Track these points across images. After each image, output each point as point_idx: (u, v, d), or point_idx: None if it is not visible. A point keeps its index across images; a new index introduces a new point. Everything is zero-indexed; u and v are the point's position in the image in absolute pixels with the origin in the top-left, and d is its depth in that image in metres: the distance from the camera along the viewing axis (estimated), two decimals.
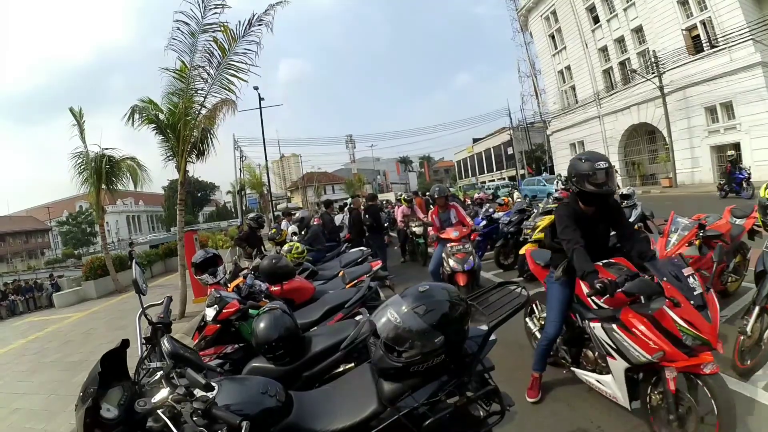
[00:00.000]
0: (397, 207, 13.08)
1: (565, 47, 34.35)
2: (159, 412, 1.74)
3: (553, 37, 35.82)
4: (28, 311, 17.43)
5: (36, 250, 62.43)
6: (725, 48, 21.47)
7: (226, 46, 7.87)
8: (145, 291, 2.78)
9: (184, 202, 8.73)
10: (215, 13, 7.65)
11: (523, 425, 3.22)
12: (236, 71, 8.10)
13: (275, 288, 4.38)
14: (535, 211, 8.05)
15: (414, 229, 10.12)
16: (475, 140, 57.89)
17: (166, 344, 2.07)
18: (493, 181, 43.99)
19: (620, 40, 29.30)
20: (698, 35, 23.69)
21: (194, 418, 1.73)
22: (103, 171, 13.90)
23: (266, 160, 30.48)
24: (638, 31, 27.68)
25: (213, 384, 1.84)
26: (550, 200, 8.98)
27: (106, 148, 14.20)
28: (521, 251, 7.05)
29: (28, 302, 18.31)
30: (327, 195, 54.76)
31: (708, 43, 22.95)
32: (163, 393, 1.78)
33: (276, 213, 24.62)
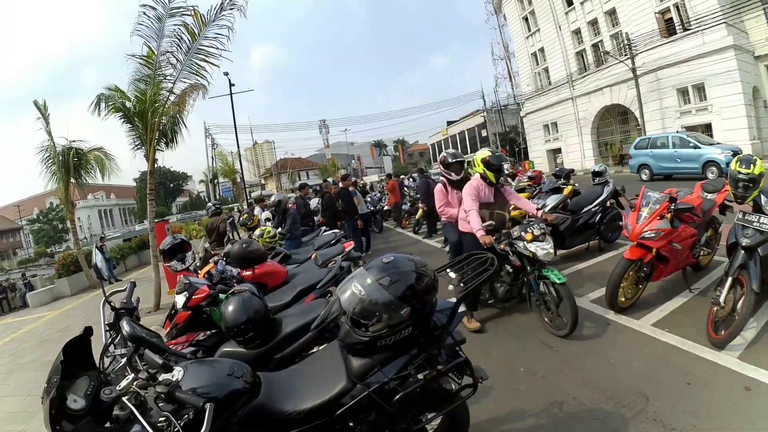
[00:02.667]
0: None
1: (538, 29, 34.38)
2: (124, 399, 1.70)
3: (526, 19, 35.80)
4: (2, 313, 16.97)
5: (8, 250, 60.76)
6: (698, 31, 21.74)
7: (196, 31, 7.64)
8: (108, 277, 2.69)
9: (154, 192, 8.53)
10: None
11: (500, 399, 3.25)
12: (207, 56, 7.88)
13: (247, 273, 4.29)
14: None
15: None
16: (449, 123, 57.55)
17: (125, 327, 2.02)
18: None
19: (593, 23, 29.44)
20: (671, 18, 23.92)
21: (159, 404, 1.69)
22: (71, 164, 13.51)
23: (238, 147, 29.87)
24: (612, 13, 27.82)
25: (171, 365, 1.78)
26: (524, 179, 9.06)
27: (74, 140, 13.78)
28: None
29: (1, 304, 17.80)
30: (301, 181, 54.47)
31: (681, 26, 23.21)
32: (128, 380, 1.72)
33: (250, 200, 24.33)
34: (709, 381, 3.10)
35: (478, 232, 4.24)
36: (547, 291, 4.18)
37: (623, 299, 4.39)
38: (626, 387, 3.14)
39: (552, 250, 4.14)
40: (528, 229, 4.22)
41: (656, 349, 3.67)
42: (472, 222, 4.35)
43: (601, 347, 3.84)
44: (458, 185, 5.03)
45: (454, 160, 5.08)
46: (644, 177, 17.28)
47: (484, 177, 4.59)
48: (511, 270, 4.47)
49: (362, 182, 17.52)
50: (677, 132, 18.52)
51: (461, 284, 2.30)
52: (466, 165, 5.48)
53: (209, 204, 10.00)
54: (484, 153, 4.60)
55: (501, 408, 3.16)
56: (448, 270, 2.37)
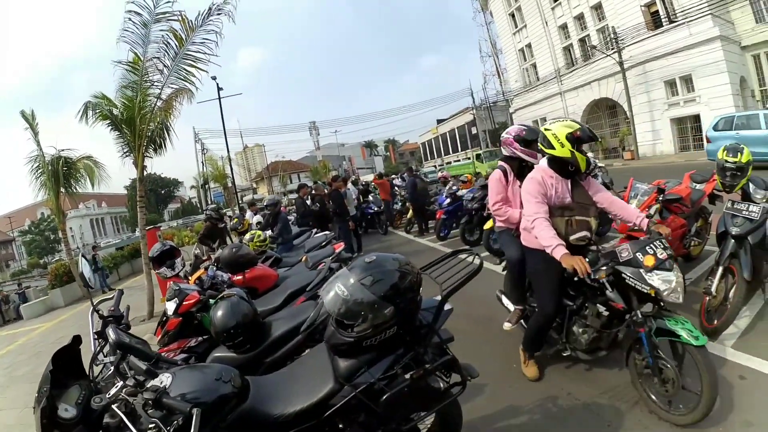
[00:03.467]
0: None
1: (525, 25, 34.46)
2: (114, 407, 1.70)
3: (513, 15, 35.86)
4: None
5: (0, 262, 60.24)
6: (684, 23, 21.87)
7: (183, 36, 7.62)
8: (94, 285, 2.68)
9: (144, 199, 8.49)
10: (167, 2, 7.42)
11: (493, 396, 3.26)
12: (195, 61, 7.87)
13: (237, 277, 4.28)
14: None
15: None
16: (439, 121, 57.59)
17: (110, 334, 2.02)
18: (458, 161, 44.15)
19: (580, 18, 29.52)
20: (657, 11, 24.04)
21: (147, 410, 1.68)
22: (61, 173, 13.38)
23: (228, 152, 29.74)
24: (597, 8, 27.90)
25: (155, 371, 1.79)
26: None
27: (62, 149, 13.62)
28: (485, 226, 7.12)
29: None
30: (293, 184, 54.37)
31: (667, 19, 23.35)
32: (116, 387, 1.75)
33: (241, 205, 24.27)
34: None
35: (556, 251, 2.77)
36: (665, 353, 2.68)
37: None
38: (620, 380, 3.14)
39: (682, 287, 2.64)
40: (649, 249, 2.68)
41: None
42: (540, 235, 2.87)
43: None
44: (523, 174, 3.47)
45: (533, 138, 3.67)
46: None
47: (558, 164, 3.03)
48: (606, 312, 2.94)
49: (364, 181, 17.20)
50: None
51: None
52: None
53: (211, 206, 9.94)
54: (565, 125, 2.95)
55: (494, 405, 3.17)
56: (432, 268, 2.36)
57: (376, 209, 12.66)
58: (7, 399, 6.02)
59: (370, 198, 13.22)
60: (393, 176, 19.35)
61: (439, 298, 2.16)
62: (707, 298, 3.56)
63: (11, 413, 5.37)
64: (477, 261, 2.17)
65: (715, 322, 3.51)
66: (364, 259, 2.05)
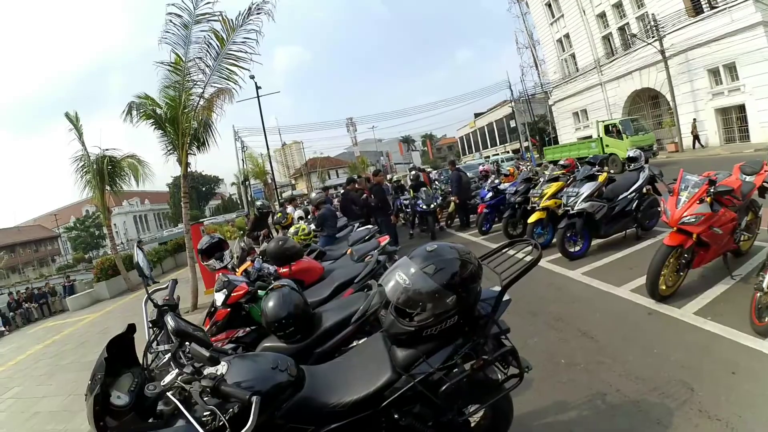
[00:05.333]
0: None
1: (562, 15, 33.73)
2: (169, 394, 1.73)
3: (549, 5, 35.17)
4: (42, 317, 17.52)
5: (46, 257, 62.88)
6: (725, 8, 20.96)
7: (224, 36, 7.78)
8: (150, 275, 2.75)
9: (188, 195, 8.73)
10: (207, 3, 7.58)
11: (542, 391, 3.20)
12: (236, 60, 8.04)
13: (284, 270, 4.32)
14: (542, 179, 7.95)
15: None
16: (476, 115, 57.15)
17: (170, 322, 2.05)
18: (497, 155, 43.31)
19: (618, 5, 28.67)
20: None
21: (204, 398, 1.70)
22: (106, 172, 13.97)
23: (268, 149, 30.21)
24: None
25: (218, 358, 1.80)
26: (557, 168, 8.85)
27: (107, 149, 14.22)
28: (530, 220, 7.01)
29: (42, 308, 18.34)
30: (331, 180, 54.81)
31: (707, 4, 22.41)
32: (172, 374, 1.76)
33: (281, 200, 24.66)
34: (754, 370, 2.99)
35: None
36: None
37: (664, 287, 4.27)
38: (669, 377, 3.06)
39: None
40: None
41: (699, 338, 3.56)
42: None
43: (643, 337, 3.75)
44: None
45: None
46: None
47: None
48: None
49: (396, 177, 16.55)
50: None
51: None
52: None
53: (259, 203, 10.24)
54: None
55: (542, 400, 3.13)
56: (489, 258, 2.32)
57: (424, 207, 10.48)
58: (53, 386, 6.27)
59: (422, 194, 10.83)
60: (430, 170, 18.65)
61: (496, 288, 2.14)
62: (758, 295, 3.39)
63: (56, 400, 5.59)
64: (537, 250, 2.13)
65: (766, 319, 3.36)
66: (425, 248, 2.03)
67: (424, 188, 11.27)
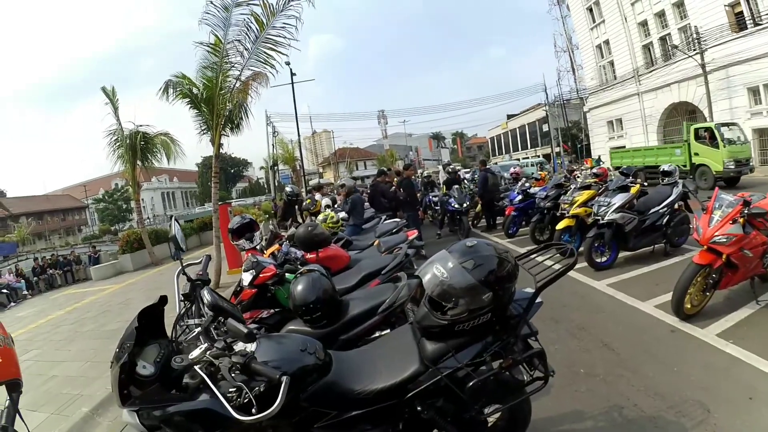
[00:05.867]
0: None
1: (603, 21, 32.90)
2: (196, 368, 1.75)
3: (591, 10, 34.36)
4: (66, 284, 17.93)
5: (73, 227, 64.29)
6: None
7: (264, 20, 7.84)
8: (185, 248, 2.79)
9: (218, 176, 8.87)
10: None
11: (559, 398, 3.19)
12: (274, 45, 8.08)
13: (311, 255, 4.35)
14: (573, 186, 7.85)
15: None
16: (509, 116, 56.42)
17: (206, 295, 2.08)
18: (527, 158, 42.68)
19: (661, 15, 27.87)
20: (741, 12, 22.36)
21: (232, 374, 1.73)
22: (138, 147, 14.27)
23: (299, 135, 30.22)
24: (679, 5, 26.19)
25: (255, 336, 1.81)
26: (589, 175, 8.72)
27: (141, 125, 14.49)
28: (558, 227, 6.94)
29: (66, 275, 18.77)
30: (359, 171, 54.88)
31: (752, 21, 21.69)
32: (202, 348, 1.78)
33: (309, 188, 24.96)
34: None
35: None
36: None
37: (689, 306, 4.22)
38: (687, 396, 3.04)
39: None
40: None
41: (719, 360, 3.53)
42: None
43: (664, 354, 3.72)
44: None
45: None
46: None
47: None
48: None
49: (427, 172, 15.45)
50: None
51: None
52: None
53: (289, 188, 10.35)
54: None
55: (560, 407, 3.12)
56: (525, 260, 2.32)
57: (456, 206, 10.05)
58: (72, 352, 6.37)
59: (455, 191, 10.40)
60: (460, 168, 17.89)
61: (529, 290, 2.14)
62: None
63: (74, 365, 5.70)
64: (572, 256, 2.12)
65: None
66: (465, 243, 2.04)
67: (457, 186, 10.76)
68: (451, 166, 13.53)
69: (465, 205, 10.03)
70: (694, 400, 2.98)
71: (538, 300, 2.12)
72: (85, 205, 66.83)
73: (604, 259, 6.34)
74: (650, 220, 6.35)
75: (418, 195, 11.90)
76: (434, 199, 12.34)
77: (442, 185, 11.41)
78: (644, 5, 28.73)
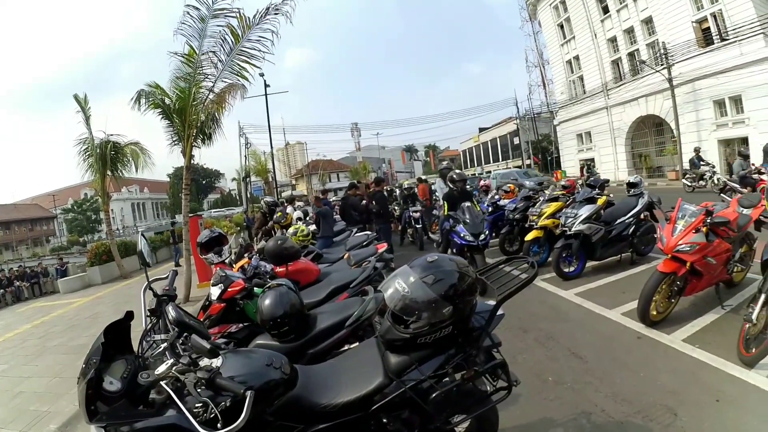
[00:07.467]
0: None
1: (573, 37, 33.87)
2: (162, 383, 1.74)
3: (561, 26, 35.33)
4: (33, 297, 17.38)
5: (41, 237, 62.43)
6: (735, 41, 21.07)
7: (240, 33, 7.85)
8: (151, 264, 2.76)
9: (189, 187, 8.75)
10: None
11: (528, 407, 3.23)
12: (249, 58, 8.10)
13: (280, 269, 4.35)
14: (542, 198, 7.98)
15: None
16: (481, 129, 57.18)
17: (171, 312, 2.07)
18: (499, 170, 43.23)
19: (630, 31, 28.86)
20: (708, 28, 23.31)
21: (198, 389, 1.72)
22: (108, 157, 14.00)
23: (271, 147, 30.28)
24: (648, 22, 27.23)
25: (218, 351, 1.82)
26: (557, 188, 8.87)
27: (111, 134, 14.23)
28: (527, 238, 7.04)
29: (33, 288, 18.21)
30: (332, 183, 54.78)
31: (718, 36, 22.54)
32: (167, 364, 1.77)
33: (281, 200, 24.80)
34: (738, 399, 3.05)
35: None
36: None
37: (655, 313, 4.32)
38: (654, 401, 3.11)
39: None
40: None
41: (686, 364, 3.62)
42: None
43: (631, 360, 3.80)
44: None
45: None
46: None
47: None
48: None
49: (407, 184, 14.08)
50: None
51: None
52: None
53: (268, 199, 10.23)
54: None
55: (528, 416, 3.15)
56: (487, 273, 2.37)
57: (469, 239, 6.56)
58: (39, 367, 6.19)
59: (466, 213, 6.88)
60: (432, 181, 15.71)
61: (490, 302, 2.18)
62: (747, 326, 3.44)
63: (42, 381, 5.53)
64: (533, 269, 2.17)
65: (753, 350, 3.43)
66: (426, 258, 2.07)
67: (468, 204, 6.98)
68: (457, 172, 8.01)
69: (483, 236, 6.63)
70: (661, 404, 3.05)
71: (500, 312, 2.16)
72: (54, 215, 64.97)
73: (571, 269, 6.46)
74: (617, 230, 6.50)
75: (397, 210, 11.86)
76: (415, 215, 10.91)
77: (442, 202, 8.07)
78: (614, 22, 29.71)
